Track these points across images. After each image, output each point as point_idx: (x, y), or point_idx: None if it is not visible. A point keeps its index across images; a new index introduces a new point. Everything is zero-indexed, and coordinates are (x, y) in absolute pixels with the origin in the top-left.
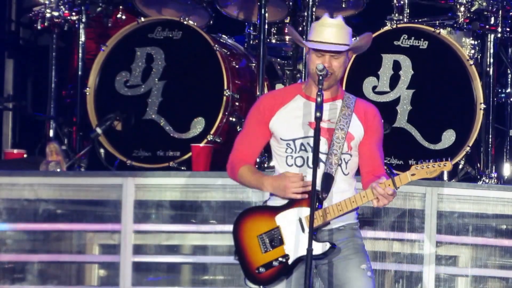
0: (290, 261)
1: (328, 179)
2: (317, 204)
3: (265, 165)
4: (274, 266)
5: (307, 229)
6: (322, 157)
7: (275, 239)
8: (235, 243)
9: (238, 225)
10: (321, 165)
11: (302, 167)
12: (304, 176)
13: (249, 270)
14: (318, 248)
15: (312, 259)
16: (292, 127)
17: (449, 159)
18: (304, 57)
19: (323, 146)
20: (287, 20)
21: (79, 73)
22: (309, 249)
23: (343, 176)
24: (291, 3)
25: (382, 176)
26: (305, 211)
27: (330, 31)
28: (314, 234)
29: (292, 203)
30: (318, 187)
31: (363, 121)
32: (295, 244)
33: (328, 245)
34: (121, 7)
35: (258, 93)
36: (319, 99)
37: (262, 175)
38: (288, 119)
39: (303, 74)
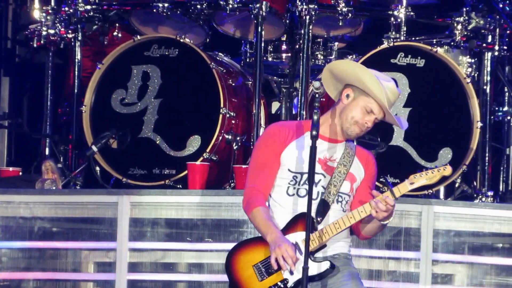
0: (289, 285)
1: (324, 206)
2: (311, 228)
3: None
4: None
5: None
6: (321, 189)
7: (271, 266)
8: (229, 277)
9: (231, 258)
10: (320, 195)
11: (304, 197)
12: (297, 256)
13: None
14: (315, 268)
15: (309, 281)
16: (302, 161)
17: (447, 164)
18: (300, 75)
19: (324, 181)
20: (284, 38)
21: (75, 91)
22: (305, 267)
23: (342, 212)
24: (287, 21)
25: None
26: (300, 235)
27: (394, 102)
28: (311, 254)
29: (286, 230)
30: (314, 211)
31: (365, 166)
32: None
33: (325, 265)
34: (117, 25)
35: (254, 111)
36: (315, 117)
37: (272, 226)
38: (298, 152)
39: (299, 92)
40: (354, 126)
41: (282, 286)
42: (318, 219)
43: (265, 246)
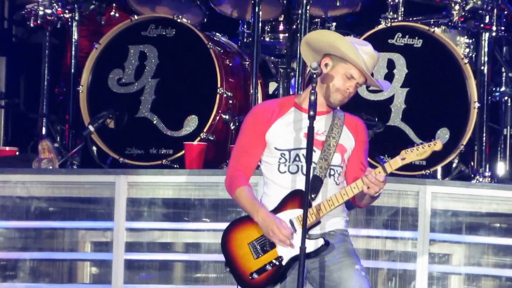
0: (284, 262)
1: (317, 181)
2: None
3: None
4: (267, 270)
5: (298, 229)
6: (313, 164)
7: (266, 244)
8: (225, 255)
9: (227, 236)
10: (312, 170)
11: (296, 173)
12: (290, 229)
13: (242, 278)
14: (311, 245)
15: (305, 258)
16: (288, 138)
17: (438, 139)
18: (298, 56)
19: (315, 156)
20: (281, 18)
21: (72, 71)
22: (303, 247)
23: (336, 186)
24: (285, 1)
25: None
26: (295, 212)
27: (374, 65)
28: (306, 231)
29: (280, 207)
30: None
31: (354, 134)
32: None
33: (321, 242)
34: (114, 4)
35: (251, 91)
36: (312, 98)
37: (259, 205)
38: (284, 130)
39: (296, 73)
40: (336, 93)
41: (277, 263)
42: (312, 195)
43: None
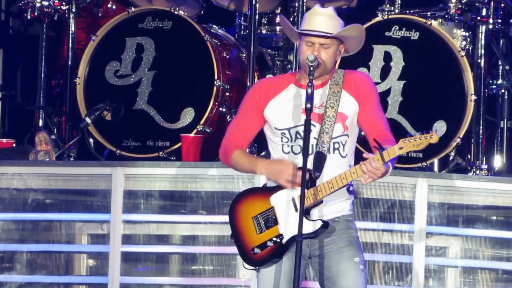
0: (284, 241)
1: (320, 158)
2: (309, 183)
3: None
4: (269, 246)
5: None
6: (314, 141)
7: (270, 219)
8: (231, 226)
9: (234, 207)
10: (314, 147)
11: (299, 154)
12: (297, 164)
13: (245, 252)
14: (309, 226)
15: (304, 238)
16: (287, 116)
17: (435, 131)
18: (295, 48)
19: (315, 131)
20: (278, 11)
21: (69, 62)
22: (299, 240)
23: (341, 159)
24: None
25: (375, 149)
26: (297, 191)
27: (320, 20)
28: (307, 213)
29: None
30: (310, 166)
31: (355, 93)
32: (289, 223)
33: (319, 224)
34: None
35: (248, 83)
36: (309, 90)
37: (256, 158)
38: (282, 108)
39: (293, 65)
40: (306, 61)
41: (278, 240)
42: (316, 174)
43: (265, 197)
